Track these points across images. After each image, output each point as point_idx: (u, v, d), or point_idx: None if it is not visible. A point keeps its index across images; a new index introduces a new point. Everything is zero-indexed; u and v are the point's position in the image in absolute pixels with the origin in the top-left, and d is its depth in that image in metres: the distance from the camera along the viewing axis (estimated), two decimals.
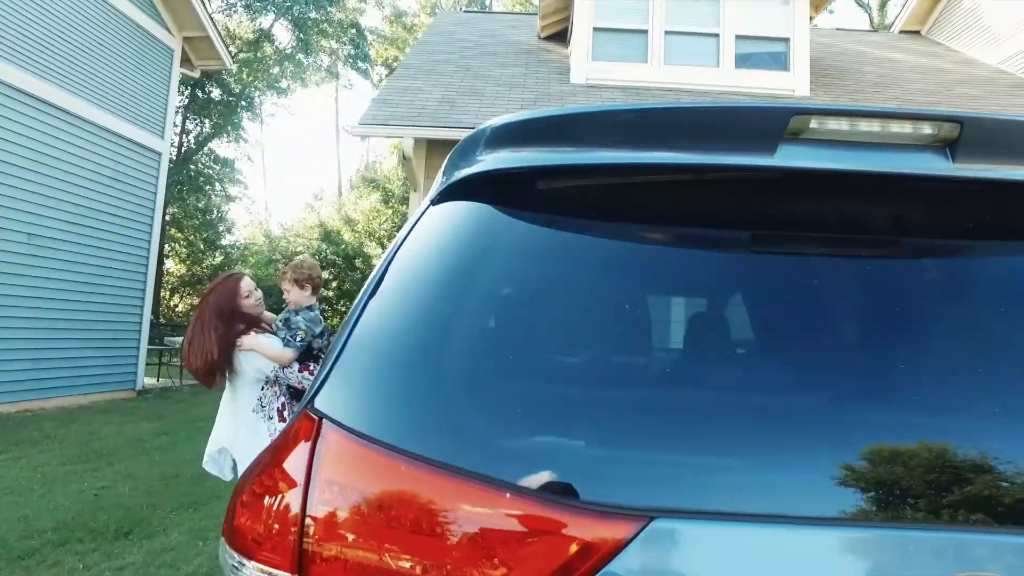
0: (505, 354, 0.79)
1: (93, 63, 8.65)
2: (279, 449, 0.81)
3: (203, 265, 19.64)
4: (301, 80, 21.14)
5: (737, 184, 0.94)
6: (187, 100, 18.75)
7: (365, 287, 1.00)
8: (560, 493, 0.68)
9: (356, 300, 0.98)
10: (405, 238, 0.97)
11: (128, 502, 4.23)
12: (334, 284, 19.59)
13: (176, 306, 20.25)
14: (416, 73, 8.17)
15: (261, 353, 2.84)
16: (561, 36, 9.91)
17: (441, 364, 0.78)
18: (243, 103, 20.65)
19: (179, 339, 12.66)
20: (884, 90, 8.46)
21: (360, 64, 23.10)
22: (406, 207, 19.60)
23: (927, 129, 0.88)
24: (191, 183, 19.45)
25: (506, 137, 1.00)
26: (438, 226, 0.96)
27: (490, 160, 0.99)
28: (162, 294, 17.92)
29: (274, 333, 2.95)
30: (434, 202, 1.02)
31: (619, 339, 0.83)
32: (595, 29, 8.06)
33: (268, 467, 0.81)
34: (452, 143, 6.64)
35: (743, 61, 8.05)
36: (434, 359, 0.79)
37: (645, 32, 8.02)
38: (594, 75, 8.01)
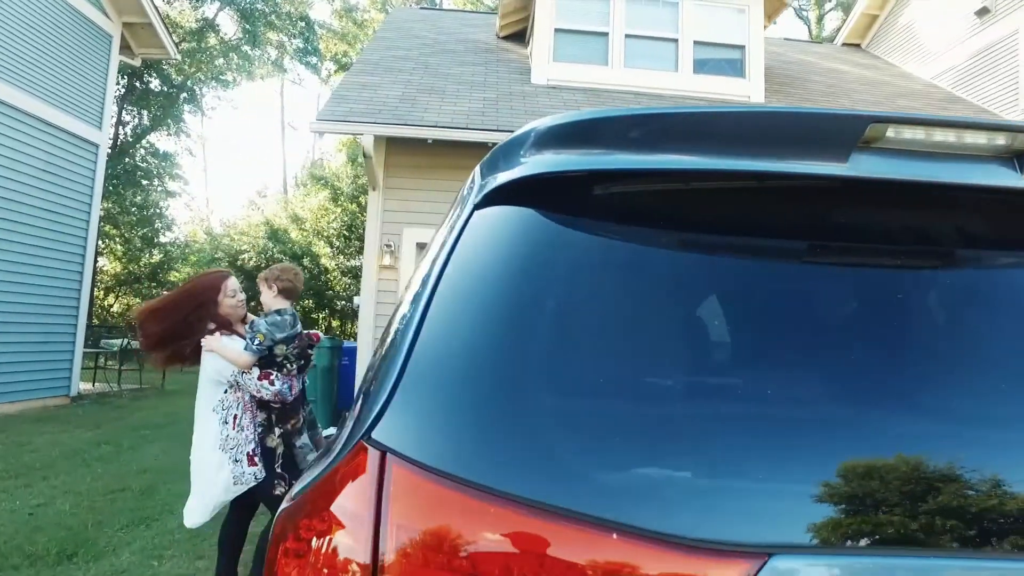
0: (593, 376, 0.72)
1: (24, 48, 8.07)
2: (329, 487, 0.72)
3: (140, 263, 18.70)
4: (248, 73, 20.38)
5: (805, 193, 0.90)
6: (123, 90, 17.81)
7: (410, 300, 0.91)
8: (669, 531, 0.62)
9: (402, 315, 0.89)
10: (454, 246, 0.88)
11: (70, 520, 3.93)
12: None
13: (112, 306, 19.21)
14: (374, 69, 7.97)
15: (220, 355, 2.72)
16: (520, 36, 9.88)
17: (523, 388, 0.70)
18: (185, 95, 19.77)
19: (117, 341, 11.99)
20: (834, 99, 8.78)
21: (309, 59, 22.47)
22: (355, 205, 19.19)
23: (1001, 140, 0.86)
24: (128, 177, 18.48)
25: (556, 139, 0.93)
26: (491, 233, 0.88)
27: (541, 162, 0.91)
28: (95, 294, 16.97)
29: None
30: (478, 206, 0.94)
31: (707, 358, 0.78)
32: (556, 30, 8.06)
33: (318, 508, 0.71)
34: (413, 141, 6.53)
35: (701, 66, 8.20)
36: (515, 382, 0.71)
37: (606, 35, 8.07)
38: (555, 76, 8.01)
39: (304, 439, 2.87)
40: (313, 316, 19.66)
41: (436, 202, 6.92)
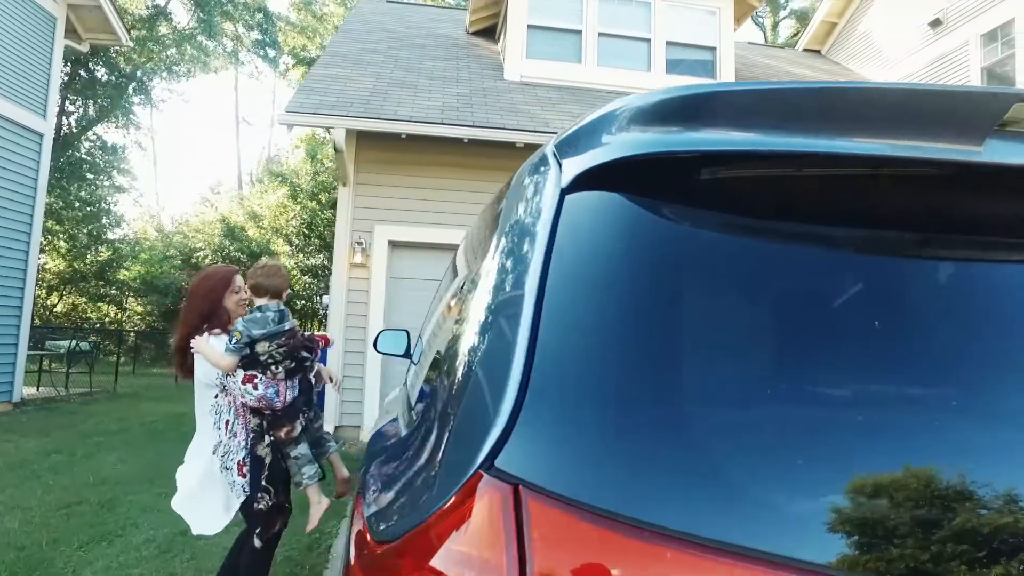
0: (759, 385, 0.61)
1: None
2: (440, 533, 0.59)
3: (86, 261, 17.78)
4: (203, 65, 19.62)
5: (930, 181, 0.82)
6: (66, 78, 16.90)
7: (494, 302, 0.79)
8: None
9: (484, 321, 0.77)
10: (551, 238, 0.77)
11: (21, 539, 3.62)
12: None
13: (55, 306, 18.23)
14: (343, 61, 7.73)
15: (204, 356, 2.55)
16: (490, 32, 9.76)
17: (677, 398, 0.59)
18: (135, 85, 18.92)
19: (63, 343, 11.33)
20: None
21: (267, 51, 21.80)
22: (315, 203, 18.70)
23: None
24: (72, 171, 17.57)
25: (661, 115, 0.82)
26: (598, 222, 0.77)
27: (645, 141, 0.80)
28: (37, 293, 16.08)
29: None
30: (566, 191, 0.83)
31: (860, 362, 0.68)
32: (529, 27, 7.97)
33: (423, 562, 0.58)
34: (386, 136, 6.34)
35: (673, 67, 8.23)
36: (671, 397, 0.59)
37: (579, 32, 8.02)
38: (528, 73, 7.92)
39: (300, 450, 2.65)
40: None
41: (409, 199, 6.76)
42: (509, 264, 0.81)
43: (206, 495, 2.63)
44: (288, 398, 2.59)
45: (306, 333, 2.76)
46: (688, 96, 0.81)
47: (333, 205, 18.05)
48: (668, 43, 8.18)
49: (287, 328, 2.64)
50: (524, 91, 7.58)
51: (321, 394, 3.00)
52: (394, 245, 6.83)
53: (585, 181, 0.82)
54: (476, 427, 0.63)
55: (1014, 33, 8.42)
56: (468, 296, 0.91)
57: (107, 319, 19.32)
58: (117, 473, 5.12)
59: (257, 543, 2.56)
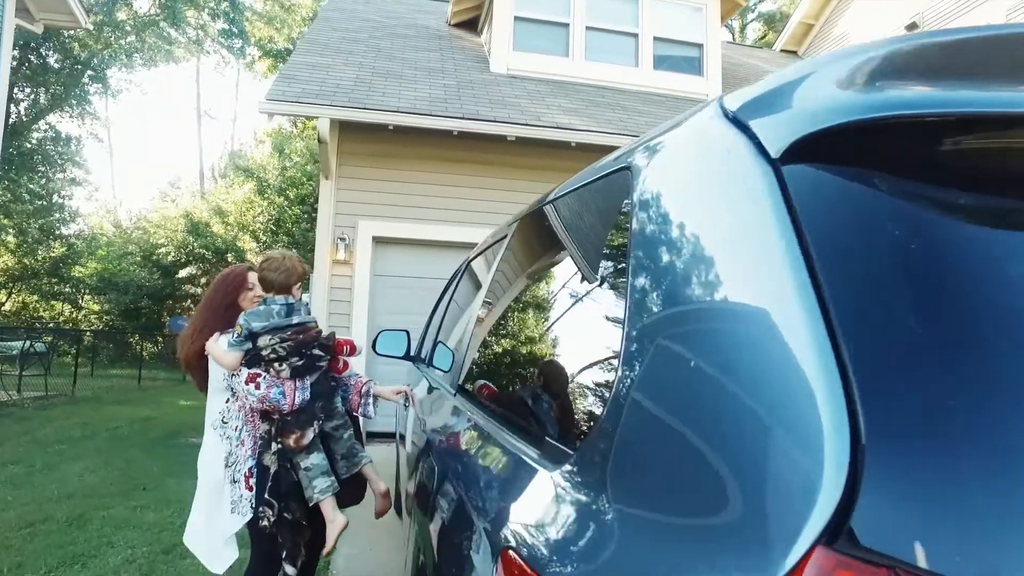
0: None
1: None
2: None
3: (38, 257, 16.90)
4: (167, 53, 18.83)
5: None
6: (16, 64, 16.01)
7: (748, 311, 0.60)
8: None
9: (744, 332, 0.57)
10: (795, 222, 0.58)
11: None
12: (203, 280, 17.76)
13: (3, 304, 17.28)
14: (323, 50, 7.41)
15: (212, 356, 2.35)
16: (471, 24, 9.53)
17: None
18: (90, 73, 18.05)
19: (16, 344, 10.68)
20: None
21: (234, 41, 21.08)
22: (283, 199, 18.15)
23: None
24: (22, 162, 16.66)
25: (913, 67, 0.65)
26: (853, 199, 0.58)
27: (894, 100, 0.62)
28: None
29: None
30: (782, 161, 0.65)
31: None
32: (516, 18, 7.77)
33: None
34: (370, 127, 6.06)
35: (661, 63, 8.14)
36: None
37: (567, 26, 7.86)
38: (515, 65, 7.73)
39: (312, 460, 2.40)
40: None
41: (395, 193, 6.50)
42: (725, 270, 0.62)
43: (216, 524, 2.37)
44: (297, 401, 2.32)
45: (325, 333, 2.50)
46: (953, 42, 0.64)
47: (302, 201, 17.55)
48: (655, 39, 8.09)
49: (295, 323, 2.38)
50: (512, 84, 7.39)
51: (346, 397, 2.73)
52: (378, 241, 6.56)
53: (808, 149, 0.64)
54: (772, 485, 0.44)
55: None
56: (639, 318, 0.70)
57: (61, 318, 18.43)
58: (85, 485, 4.75)
59: (290, 570, 2.33)
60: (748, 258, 0.61)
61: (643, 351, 0.68)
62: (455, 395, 1.59)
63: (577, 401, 0.82)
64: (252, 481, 2.38)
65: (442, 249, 6.65)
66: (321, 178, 6.44)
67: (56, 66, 17.42)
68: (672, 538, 0.53)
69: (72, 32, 15.52)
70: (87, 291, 17.93)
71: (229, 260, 17.64)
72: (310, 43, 7.62)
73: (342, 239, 6.36)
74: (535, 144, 6.50)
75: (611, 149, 5.64)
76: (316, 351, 2.36)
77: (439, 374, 2.25)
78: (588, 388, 0.81)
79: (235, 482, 2.39)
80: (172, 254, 17.67)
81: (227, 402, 2.44)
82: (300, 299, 2.47)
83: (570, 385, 0.86)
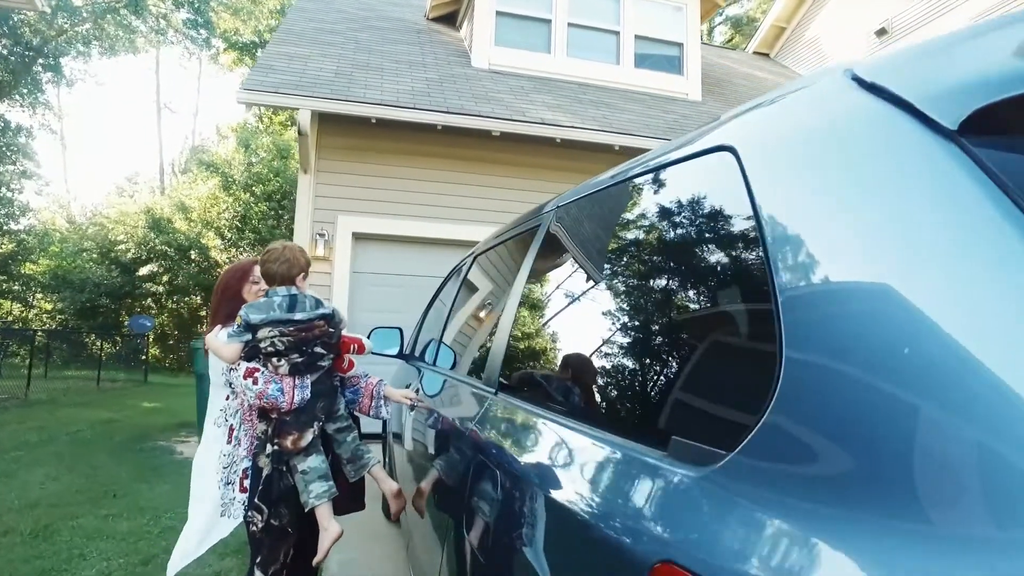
0: None
1: None
2: None
3: None
4: (128, 42, 18.12)
5: None
6: None
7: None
8: None
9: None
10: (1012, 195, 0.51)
11: None
12: (165, 278, 17.16)
13: None
14: (299, 40, 7.18)
15: (211, 349, 2.24)
16: (450, 19, 9.39)
17: None
18: (42, 61, 17.27)
19: None
20: None
21: (198, 32, 20.43)
22: (249, 195, 17.68)
23: None
24: None
25: None
26: None
27: None
28: None
29: None
30: (961, 133, 0.59)
31: None
32: (498, 13, 7.67)
33: None
34: (351, 120, 5.88)
35: (642, 61, 8.14)
36: None
37: (549, 22, 7.79)
38: (497, 60, 7.63)
39: (310, 463, 2.26)
40: (201, 313, 17.95)
41: (375, 189, 6.34)
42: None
43: (199, 524, 2.23)
44: (296, 399, 2.18)
45: (331, 329, 2.35)
46: None
47: (269, 197, 17.12)
48: (637, 37, 8.08)
49: (297, 319, 2.23)
50: (494, 79, 7.28)
51: (354, 399, 2.60)
52: (359, 238, 6.38)
53: (978, 122, 0.59)
54: None
55: None
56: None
57: (10, 317, 17.59)
58: (48, 493, 4.47)
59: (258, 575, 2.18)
60: (950, 241, 0.54)
61: (822, 344, 0.60)
62: (496, 393, 1.48)
63: (727, 398, 0.73)
64: (247, 483, 2.26)
65: (424, 246, 6.51)
66: (299, 172, 6.23)
67: (5, 52, 16.62)
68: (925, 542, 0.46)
69: (23, 16, 14.80)
70: (38, 289, 17.15)
71: (192, 258, 17.11)
72: (286, 33, 7.38)
73: (321, 235, 6.16)
74: (519, 140, 6.41)
75: (596, 146, 5.57)
76: (318, 348, 2.23)
77: (456, 373, 2.13)
78: (736, 386, 0.72)
79: (229, 483, 2.27)
80: (132, 251, 17.04)
81: (227, 399, 2.32)
82: (304, 291, 2.33)
83: (709, 383, 0.78)
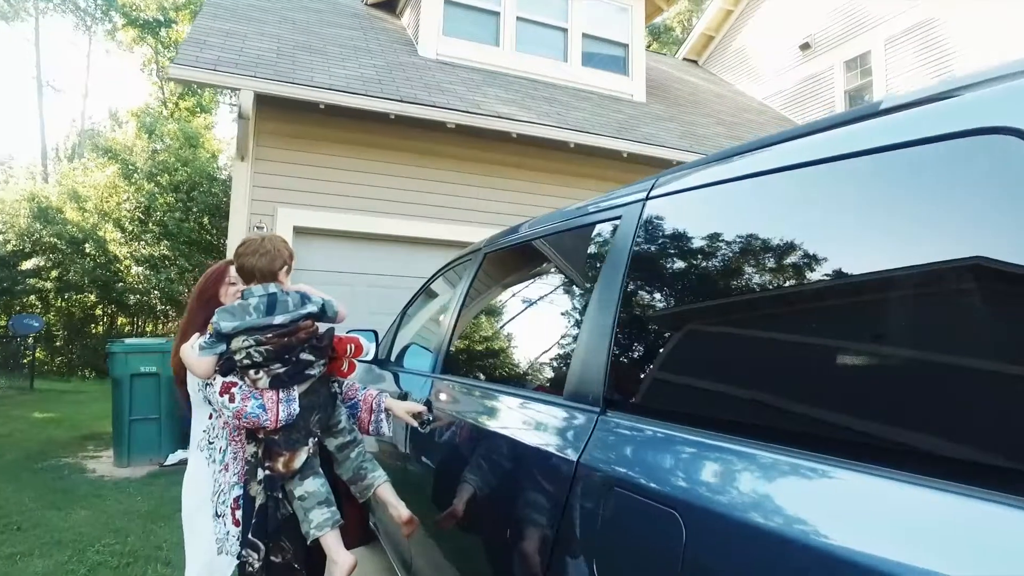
0: None
1: None
2: None
3: None
4: (9, 5, 16.16)
5: None
6: None
7: None
8: None
9: None
10: None
11: None
12: (54, 274, 15.51)
13: None
14: (230, 16, 6.61)
15: (186, 364, 1.91)
16: (389, 5, 9.01)
17: None
18: None
19: None
20: (699, 107, 9.29)
21: (94, 1, 18.57)
22: (155, 185, 16.31)
23: None
24: None
25: None
26: None
27: None
28: None
29: None
30: None
31: None
32: (446, 2, 7.39)
33: None
34: (295, 105, 5.45)
35: (589, 60, 8.12)
36: None
37: (497, 14, 7.60)
38: (445, 51, 7.35)
39: (308, 486, 1.95)
40: (96, 312, 16.38)
41: (320, 180, 5.92)
42: None
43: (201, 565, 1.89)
44: (282, 416, 1.84)
45: (321, 331, 2.01)
46: None
47: (176, 188, 15.83)
48: (584, 35, 8.04)
49: (276, 323, 1.90)
50: (444, 70, 7.00)
51: (353, 414, 2.27)
52: (301, 232, 5.92)
53: None
54: None
55: (871, 63, 9.43)
56: None
57: None
58: None
59: None
60: None
61: None
62: (603, 412, 1.26)
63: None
64: (239, 514, 1.94)
65: (373, 243, 6.14)
66: (236, 160, 5.70)
67: None
68: None
69: None
70: None
71: (88, 251, 15.55)
72: (215, 7, 6.76)
73: (259, 228, 5.66)
74: (474, 134, 6.18)
75: (551, 143, 5.43)
76: (305, 355, 1.90)
77: (496, 384, 1.89)
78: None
79: (220, 516, 1.94)
80: (12, 242, 15.27)
81: (210, 418, 1.99)
82: (287, 288, 2.00)
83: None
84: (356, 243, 6.11)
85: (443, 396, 2.19)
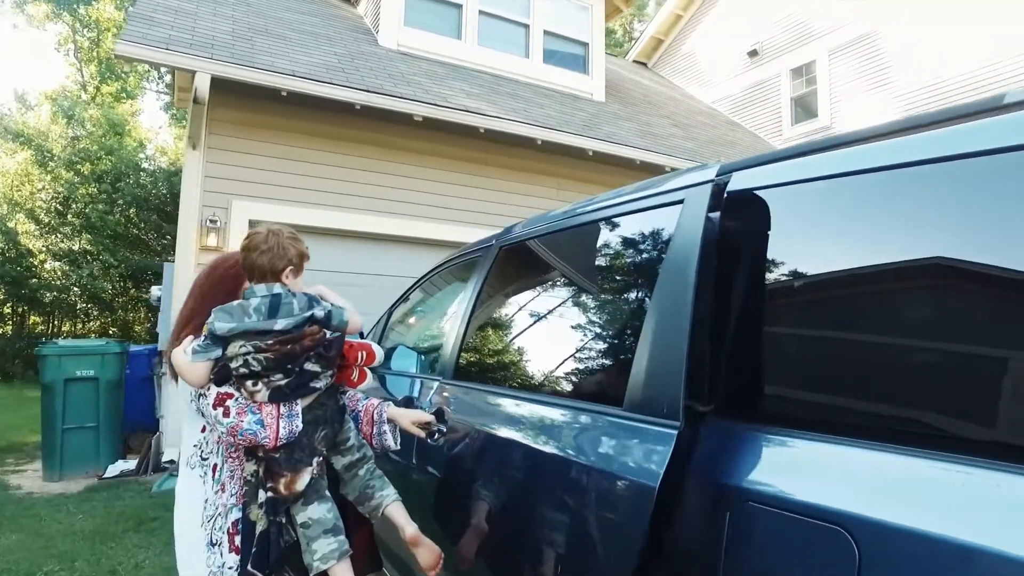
0: None
1: None
2: None
3: None
4: None
5: None
6: None
7: None
8: None
9: None
10: None
11: None
12: None
13: None
14: None
15: (177, 370, 1.69)
16: None
17: None
18: None
19: None
20: (654, 108, 9.40)
21: None
22: (74, 174, 15.15)
23: None
24: None
25: None
26: None
27: None
28: None
29: None
30: None
31: None
32: None
33: None
34: (253, 91, 5.15)
35: (550, 57, 8.07)
36: None
37: (460, 7, 7.43)
38: (406, 42, 7.13)
39: (312, 512, 1.74)
40: (4, 310, 15.08)
41: (278, 171, 5.61)
42: None
43: None
44: (283, 433, 1.63)
45: (329, 337, 1.77)
46: None
47: (99, 179, 14.75)
48: (546, 32, 7.98)
49: (278, 327, 1.70)
50: (406, 61, 6.77)
51: (355, 421, 2.04)
52: (257, 226, 5.57)
53: None
54: None
55: (816, 72, 9.82)
56: None
57: None
58: None
59: None
60: None
61: None
62: (684, 425, 1.14)
63: None
64: (239, 540, 1.71)
65: (334, 238, 5.86)
66: (188, 148, 5.30)
67: None
68: None
69: None
70: None
71: None
72: None
73: (213, 222, 5.30)
74: (441, 128, 6.00)
75: (519, 140, 5.30)
76: (311, 365, 1.69)
77: (489, 388, 1.74)
78: None
79: (215, 544, 1.70)
80: None
81: (203, 431, 1.75)
82: (291, 290, 1.78)
83: None
84: (317, 239, 5.80)
85: (458, 404, 2.01)
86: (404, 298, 3.18)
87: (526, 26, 7.85)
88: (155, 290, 6.05)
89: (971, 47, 7.78)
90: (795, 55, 10.10)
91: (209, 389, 1.64)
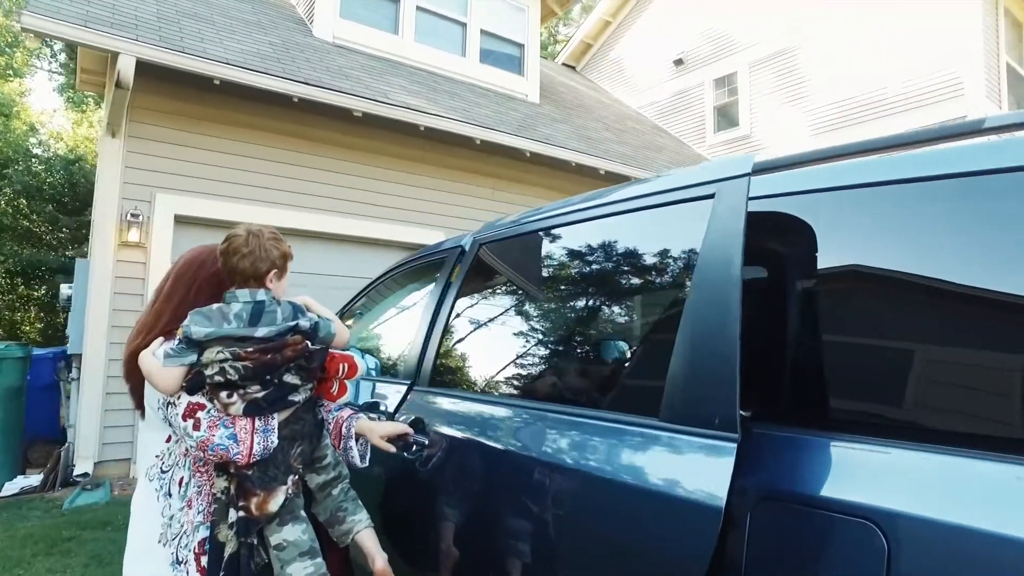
0: None
1: None
2: None
3: None
4: None
5: None
6: None
7: None
8: None
9: None
10: None
11: None
12: None
13: None
14: None
15: (144, 374, 1.58)
16: None
17: None
18: None
19: None
20: (586, 111, 9.59)
21: None
22: None
23: None
24: None
25: None
26: None
27: None
28: None
29: None
30: None
31: None
32: None
33: None
34: (187, 78, 4.89)
35: (486, 56, 8.06)
36: None
37: (397, 1, 7.28)
38: (342, 34, 6.92)
39: (287, 534, 1.64)
40: None
41: (206, 164, 5.32)
42: None
43: None
44: (257, 449, 1.53)
45: (312, 348, 1.66)
46: None
47: None
48: (483, 32, 7.96)
49: (258, 334, 1.59)
50: (343, 54, 6.57)
51: (348, 440, 1.94)
52: (183, 221, 5.24)
53: None
54: None
55: (737, 83, 10.33)
56: None
57: None
58: None
59: None
60: None
61: None
62: (729, 433, 1.13)
63: None
64: (204, 561, 1.60)
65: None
66: (105, 136, 4.90)
67: None
68: None
69: None
70: None
71: None
72: None
73: (134, 216, 4.93)
74: (380, 125, 5.87)
75: (458, 139, 5.34)
76: (290, 377, 1.59)
77: (469, 395, 1.69)
78: None
79: (180, 563, 1.58)
80: None
81: (168, 441, 1.64)
82: (273, 296, 1.69)
83: None
84: None
85: (440, 414, 1.91)
86: (358, 299, 3.07)
87: (463, 24, 7.80)
88: (65, 288, 5.56)
89: (883, 68, 8.43)
90: (718, 66, 10.58)
91: (179, 398, 1.53)
